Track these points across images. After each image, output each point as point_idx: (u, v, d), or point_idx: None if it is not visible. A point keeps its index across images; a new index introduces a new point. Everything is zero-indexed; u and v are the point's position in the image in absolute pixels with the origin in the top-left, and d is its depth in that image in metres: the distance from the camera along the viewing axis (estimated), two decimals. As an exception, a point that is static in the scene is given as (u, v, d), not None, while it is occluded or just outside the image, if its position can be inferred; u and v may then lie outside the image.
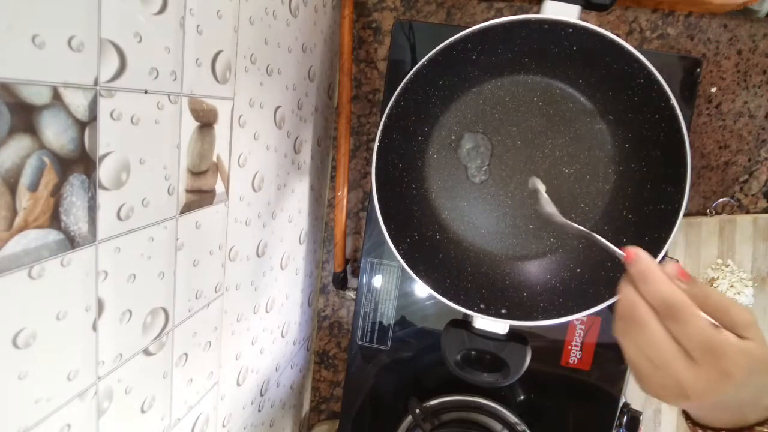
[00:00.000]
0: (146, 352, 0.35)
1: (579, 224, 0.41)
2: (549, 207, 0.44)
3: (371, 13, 0.66)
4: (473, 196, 0.49)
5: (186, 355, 0.41)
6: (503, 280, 0.48)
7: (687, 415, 0.35)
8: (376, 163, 0.43)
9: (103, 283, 0.30)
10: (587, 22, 0.39)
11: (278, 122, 0.52)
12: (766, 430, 0.31)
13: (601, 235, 0.46)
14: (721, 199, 0.64)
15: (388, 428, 0.55)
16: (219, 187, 0.42)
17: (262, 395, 0.60)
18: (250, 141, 0.46)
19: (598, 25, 0.40)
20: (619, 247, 0.35)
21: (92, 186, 0.28)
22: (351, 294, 0.72)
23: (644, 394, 0.65)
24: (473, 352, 0.45)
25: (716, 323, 0.30)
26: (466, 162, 0.48)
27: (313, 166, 0.66)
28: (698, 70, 0.49)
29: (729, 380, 0.28)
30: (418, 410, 0.52)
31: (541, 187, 0.46)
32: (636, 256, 0.32)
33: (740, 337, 0.29)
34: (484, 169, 0.48)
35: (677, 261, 0.33)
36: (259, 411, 0.60)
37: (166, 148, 0.34)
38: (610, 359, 0.54)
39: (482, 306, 0.43)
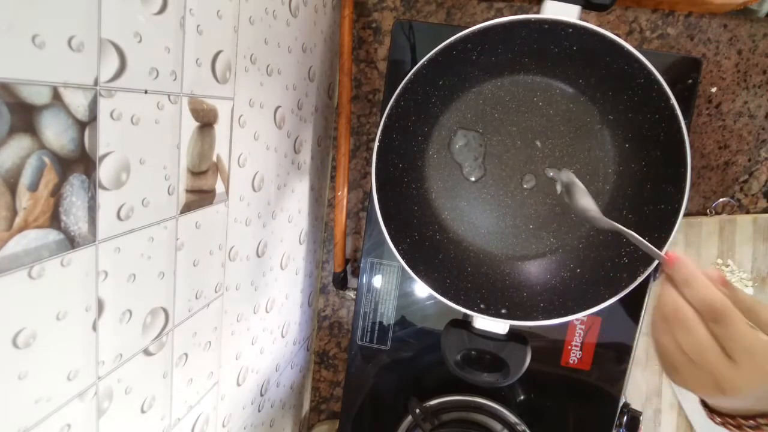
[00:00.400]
0: (146, 352, 0.35)
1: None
2: (585, 200, 0.41)
3: (371, 13, 0.66)
4: (473, 196, 0.49)
5: (186, 355, 0.41)
6: (503, 280, 0.48)
7: (704, 403, 0.38)
8: (376, 163, 0.43)
9: (103, 283, 0.30)
10: (587, 22, 0.39)
11: (278, 122, 0.52)
12: None
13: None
14: (721, 199, 0.64)
15: (388, 428, 0.55)
16: (219, 187, 0.42)
17: (262, 395, 0.60)
18: (250, 141, 0.46)
19: (598, 25, 0.40)
20: (660, 250, 0.36)
21: (92, 186, 0.28)
22: (351, 294, 0.72)
23: (644, 394, 0.66)
24: (473, 352, 0.45)
25: (752, 325, 0.32)
26: (460, 160, 0.48)
27: (313, 166, 0.66)
28: (698, 70, 0.49)
29: (764, 378, 0.30)
30: (418, 410, 0.52)
31: (575, 178, 0.43)
32: (679, 260, 0.34)
33: None
34: (477, 165, 0.48)
35: (719, 269, 0.34)
36: (259, 411, 0.60)
37: (166, 148, 0.34)
38: (610, 359, 0.54)
39: (482, 306, 0.43)
